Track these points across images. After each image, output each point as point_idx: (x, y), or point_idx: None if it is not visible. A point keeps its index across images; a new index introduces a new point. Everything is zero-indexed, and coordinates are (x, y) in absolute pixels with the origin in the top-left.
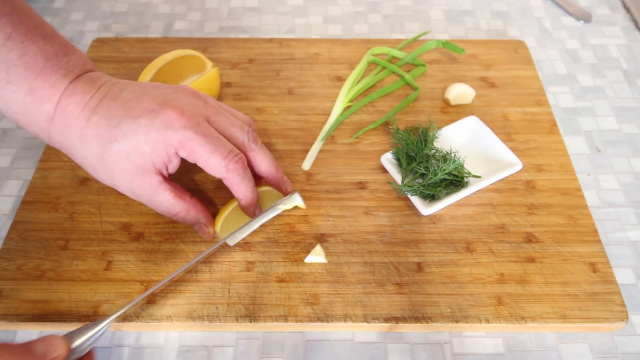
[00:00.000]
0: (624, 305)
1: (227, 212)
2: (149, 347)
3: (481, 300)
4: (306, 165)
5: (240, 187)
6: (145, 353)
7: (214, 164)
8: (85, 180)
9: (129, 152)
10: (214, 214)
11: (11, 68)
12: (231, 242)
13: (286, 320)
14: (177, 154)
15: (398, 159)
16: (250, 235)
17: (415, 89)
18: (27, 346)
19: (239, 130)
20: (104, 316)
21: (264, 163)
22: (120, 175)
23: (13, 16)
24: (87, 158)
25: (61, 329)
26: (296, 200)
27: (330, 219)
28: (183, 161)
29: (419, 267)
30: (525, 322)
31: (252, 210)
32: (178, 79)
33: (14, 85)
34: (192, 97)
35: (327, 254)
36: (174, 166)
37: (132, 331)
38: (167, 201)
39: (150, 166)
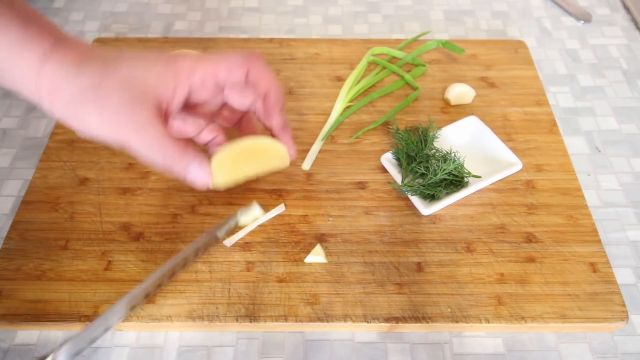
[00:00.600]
0: (624, 305)
1: (221, 154)
2: (149, 347)
3: (481, 300)
4: (306, 165)
5: (267, 75)
6: (145, 353)
7: (234, 61)
8: (85, 180)
9: (132, 80)
10: (215, 215)
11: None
12: (229, 242)
13: (286, 320)
14: (187, 80)
15: (398, 159)
16: (250, 235)
17: (415, 89)
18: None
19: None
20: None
21: (266, 74)
22: (111, 107)
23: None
24: (78, 88)
25: (61, 329)
26: (256, 211)
27: (330, 219)
28: None
29: (419, 267)
30: (525, 322)
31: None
32: None
33: (5, 23)
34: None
35: (327, 254)
36: (178, 101)
37: (132, 331)
38: (160, 138)
39: (151, 96)
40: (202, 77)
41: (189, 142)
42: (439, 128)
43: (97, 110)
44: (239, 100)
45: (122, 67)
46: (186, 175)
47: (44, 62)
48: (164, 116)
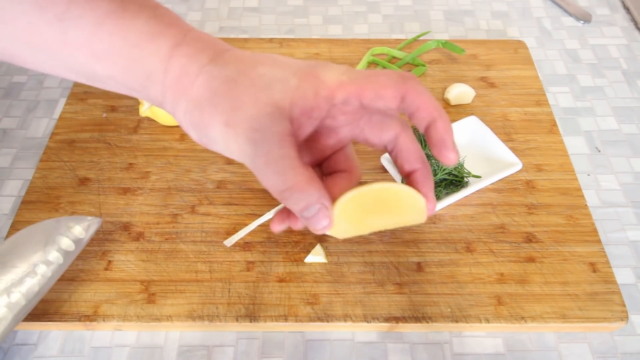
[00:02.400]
0: (624, 305)
1: (345, 198)
2: (149, 347)
3: (481, 300)
4: None
5: (431, 101)
6: (145, 353)
7: (387, 80)
8: (85, 180)
9: (272, 80)
10: (215, 215)
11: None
12: (229, 242)
13: (286, 320)
14: (326, 103)
15: None
16: (250, 235)
17: None
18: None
19: None
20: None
21: (430, 100)
22: (246, 107)
23: None
24: (214, 77)
25: (61, 328)
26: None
27: None
28: (183, 161)
29: (419, 267)
30: (525, 322)
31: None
32: None
33: (132, 12)
34: None
35: (327, 253)
36: (310, 128)
37: (132, 331)
38: (288, 160)
39: (287, 106)
40: (344, 98)
41: (315, 174)
42: None
43: (228, 105)
44: (377, 135)
45: (266, 61)
46: (303, 213)
47: (172, 54)
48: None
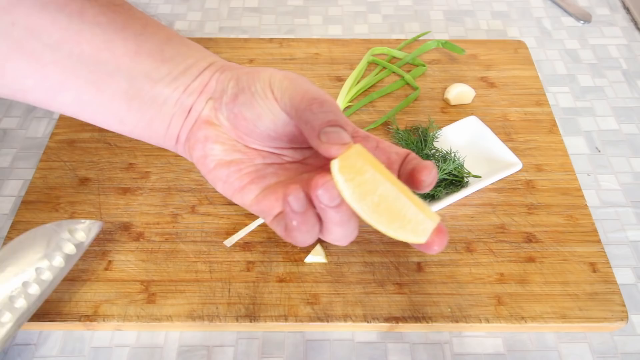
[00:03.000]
0: (624, 305)
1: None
2: (149, 347)
3: (481, 300)
4: None
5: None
6: (145, 353)
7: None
8: (85, 180)
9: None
10: (215, 215)
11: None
12: (229, 242)
13: (286, 320)
14: (354, 129)
15: None
16: (250, 235)
17: (415, 89)
18: None
19: None
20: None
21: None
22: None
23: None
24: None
25: (61, 328)
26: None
27: None
28: (183, 161)
29: (419, 267)
30: (525, 322)
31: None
32: None
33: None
34: None
35: (327, 253)
36: None
37: (132, 331)
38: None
39: None
40: (365, 136)
41: None
42: (439, 128)
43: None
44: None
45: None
46: (327, 126)
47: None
48: None
